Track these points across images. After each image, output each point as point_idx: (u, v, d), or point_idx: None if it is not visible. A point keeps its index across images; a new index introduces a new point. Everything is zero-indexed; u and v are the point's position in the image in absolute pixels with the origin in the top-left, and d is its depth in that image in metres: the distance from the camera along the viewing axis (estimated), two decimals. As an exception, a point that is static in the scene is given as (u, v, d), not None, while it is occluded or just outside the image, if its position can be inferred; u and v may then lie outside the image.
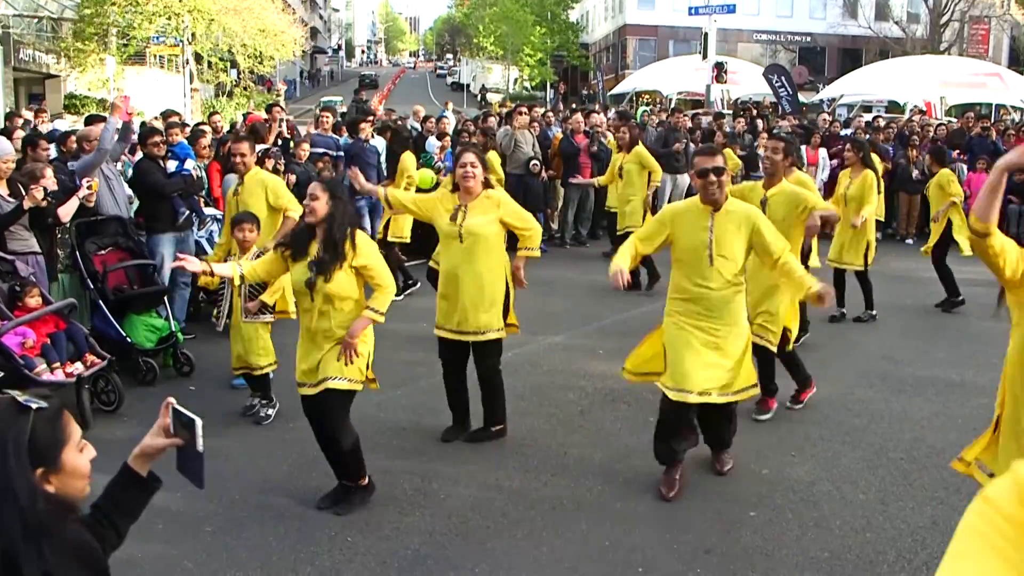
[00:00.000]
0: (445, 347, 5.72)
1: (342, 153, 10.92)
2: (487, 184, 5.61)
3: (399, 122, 13.83)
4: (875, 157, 9.44)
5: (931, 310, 9.49)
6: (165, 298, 7.28)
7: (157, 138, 7.79)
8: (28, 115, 10.97)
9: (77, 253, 7.11)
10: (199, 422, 2.37)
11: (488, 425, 5.85)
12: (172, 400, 2.43)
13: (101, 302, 6.94)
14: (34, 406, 1.92)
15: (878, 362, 7.58)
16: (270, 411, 6.24)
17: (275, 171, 8.76)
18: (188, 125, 11.36)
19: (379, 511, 4.83)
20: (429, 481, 5.20)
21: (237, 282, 4.60)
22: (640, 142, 10.85)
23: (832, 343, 8.11)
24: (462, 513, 4.84)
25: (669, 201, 11.90)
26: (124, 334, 6.86)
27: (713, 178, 4.72)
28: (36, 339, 6.05)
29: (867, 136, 13.97)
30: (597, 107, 30.17)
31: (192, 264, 4.71)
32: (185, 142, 8.88)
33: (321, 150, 10.68)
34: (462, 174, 5.50)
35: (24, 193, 6.46)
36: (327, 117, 11.49)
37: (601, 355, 7.72)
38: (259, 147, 10.88)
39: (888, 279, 10.54)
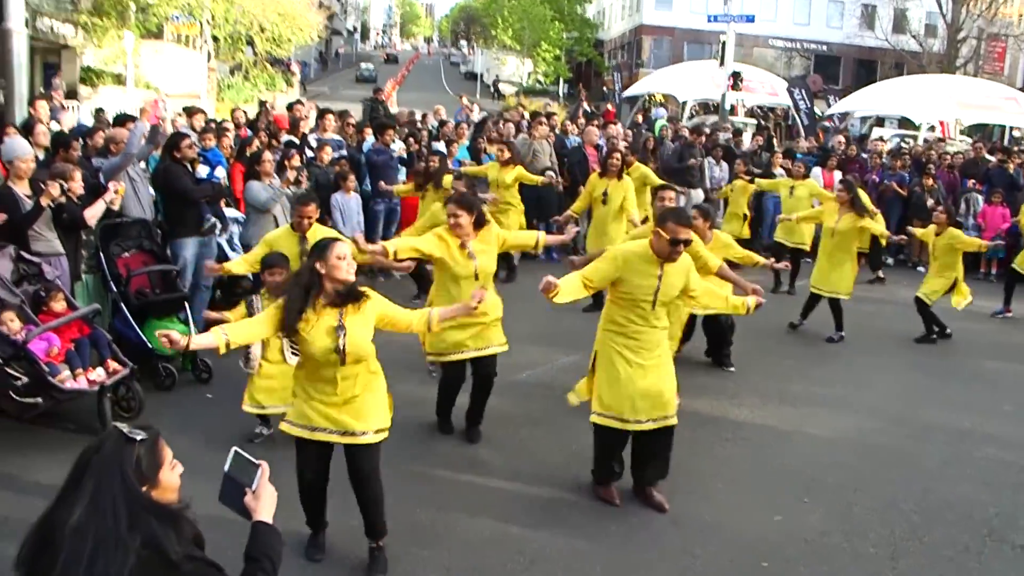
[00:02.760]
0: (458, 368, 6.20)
1: (362, 157, 10.96)
2: (480, 223, 5.97)
3: (419, 122, 13.87)
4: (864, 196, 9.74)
5: (941, 343, 9.53)
6: (186, 303, 7.32)
7: (188, 141, 7.82)
8: (57, 99, 10.72)
9: (101, 255, 7.17)
10: (264, 467, 2.64)
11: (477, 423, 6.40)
12: (237, 448, 2.70)
13: (123, 305, 7.01)
14: (138, 438, 2.32)
15: (891, 401, 7.61)
16: (264, 430, 6.20)
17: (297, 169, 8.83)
18: (214, 121, 11.35)
19: (396, 544, 4.88)
20: (445, 512, 5.26)
21: (223, 351, 4.31)
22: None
23: (846, 377, 8.17)
24: (479, 549, 4.90)
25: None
26: (144, 338, 6.92)
27: (682, 248, 5.17)
28: (61, 345, 6.11)
29: (883, 162, 14.02)
30: (610, 105, 30.26)
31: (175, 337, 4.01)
32: (217, 148, 8.89)
33: (338, 154, 10.72)
34: (452, 224, 5.88)
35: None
36: (330, 119, 11.48)
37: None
38: (284, 138, 10.99)
39: (900, 306, 10.60)
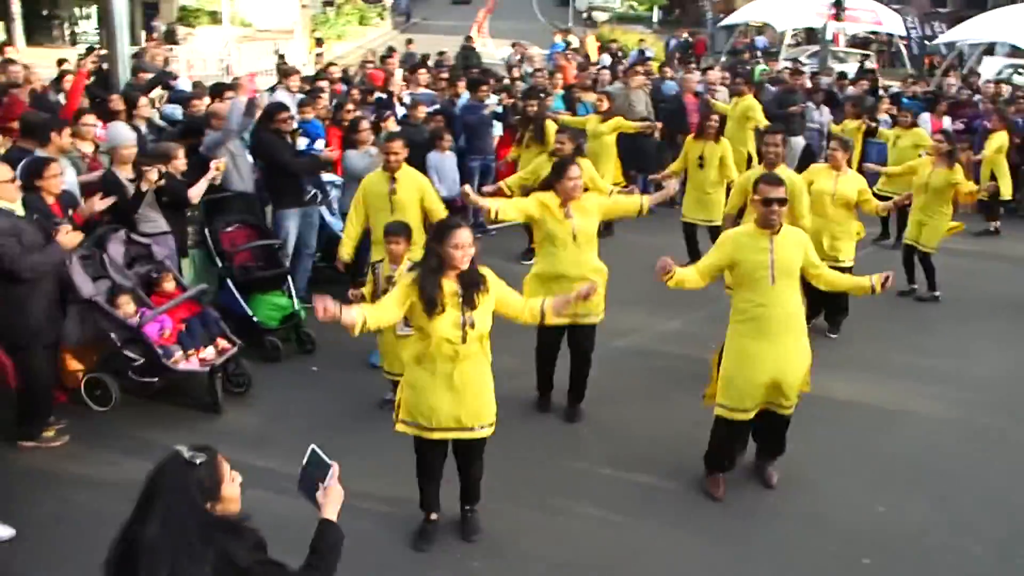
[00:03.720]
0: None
1: (438, 106, 10.89)
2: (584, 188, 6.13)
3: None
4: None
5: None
6: (289, 277, 7.49)
7: (286, 114, 7.90)
8: (160, 51, 10.78)
9: (206, 230, 7.37)
10: (335, 468, 2.89)
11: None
12: (314, 446, 2.95)
13: (228, 280, 7.22)
14: (198, 461, 2.52)
15: (1002, 377, 7.35)
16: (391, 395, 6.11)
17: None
18: (309, 79, 11.42)
19: (495, 535, 5.00)
20: (544, 498, 5.35)
21: (358, 331, 4.40)
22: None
23: (954, 347, 7.94)
24: (578, 540, 4.99)
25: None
26: (250, 312, 7.13)
27: (776, 207, 5.05)
28: (172, 326, 6.34)
29: (997, 106, 13.30)
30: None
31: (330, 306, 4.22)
32: (318, 120, 8.97)
33: (432, 108, 10.69)
34: (571, 186, 5.89)
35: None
36: (422, 72, 11.42)
37: (712, 349, 7.68)
38: (377, 95, 11.03)
39: (1017, 263, 10.18)
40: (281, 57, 17.63)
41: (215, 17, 30.04)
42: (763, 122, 11.04)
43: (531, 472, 5.66)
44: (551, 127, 9.35)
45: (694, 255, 9.01)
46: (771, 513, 5.31)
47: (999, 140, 11.02)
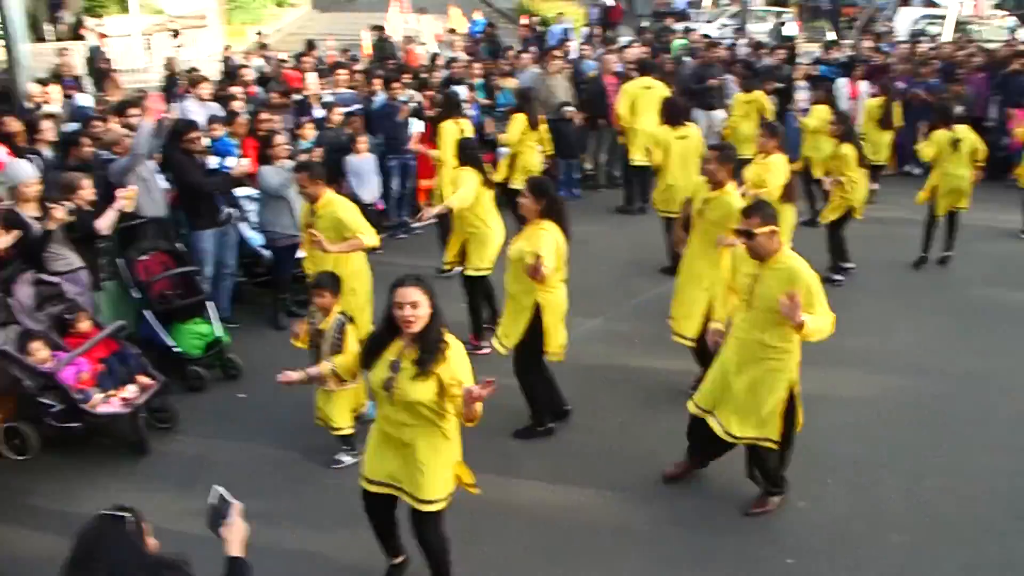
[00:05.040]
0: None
1: (360, 106, 10.78)
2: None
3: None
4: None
5: (973, 284, 9.40)
6: (208, 304, 7.38)
7: (195, 134, 7.74)
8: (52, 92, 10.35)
9: (119, 261, 7.21)
10: (237, 505, 3.11)
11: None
12: (216, 487, 3.17)
13: (147, 312, 7.09)
14: (126, 516, 2.74)
15: (916, 352, 7.59)
16: (345, 458, 5.98)
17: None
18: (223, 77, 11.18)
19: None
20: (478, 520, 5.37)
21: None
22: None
23: (869, 323, 8.10)
24: (512, 560, 5.03)
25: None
26: (172, 343, 7.02)
27: (745, 240, 4.99)
28: (90, 368, 6.22)
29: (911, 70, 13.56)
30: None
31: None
32: (227, 137, 8.79)
33: (350, 109, 10.56)
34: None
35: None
36: (340, 74, 11.24)
37: (638, 344, 7.78)
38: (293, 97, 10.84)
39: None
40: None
41: (123, 5, 29.05)
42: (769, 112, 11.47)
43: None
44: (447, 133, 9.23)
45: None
46: (695, 517, 5.41)
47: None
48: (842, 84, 13.06)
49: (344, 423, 5.94)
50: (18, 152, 7.65)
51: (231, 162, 8.25)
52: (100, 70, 14.42)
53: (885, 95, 11.69)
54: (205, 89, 10.17)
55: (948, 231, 9.70)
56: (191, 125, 7.93)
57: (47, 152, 8.11)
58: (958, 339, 7.89)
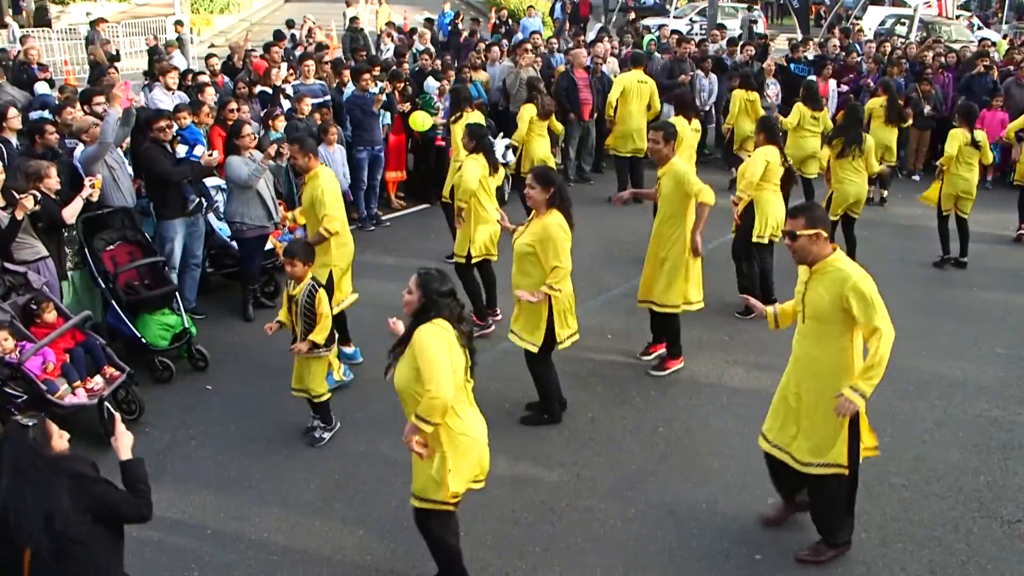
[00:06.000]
0: None
1: (329, 98, 10.72)
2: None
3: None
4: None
5: (936, 276, 9.53)
6: (176, 295, 7.29)
7: (164, 123, 7.64)
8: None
9: (86, 250, 7.10)
10: (117, 416, 3.80)
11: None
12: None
13: (114, 302, 6.99)
14: (30, 424, 3.27)
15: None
16: (325, 435, 6.17)
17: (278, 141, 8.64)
18: (190, 72, 11.05)
19: (404, 540, 5.03)
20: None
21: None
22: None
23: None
24: (481, 554, 5.03)
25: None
26: (139, 334, 6.93)
27: (788, 242, 4.72)
28: (56, 358, 6.13)
29: (879, 69, 13.71)
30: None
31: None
32: (194, 125, 8.67)
33: (319, 100, 10.47)
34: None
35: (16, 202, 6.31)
36: (309, 65, 11.13)
37: (610, 341, 7.80)
38: (261, 89, 10.73)
39: (897, 230, 10.55)
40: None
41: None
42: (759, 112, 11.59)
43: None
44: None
45: None
46: (666, 512, 5.44)
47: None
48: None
49: (323, 388, 6.12)
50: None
51: (199, 151, 8.13)
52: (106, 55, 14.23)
53: (887, 93, 11.69)
54: (172, 78, 10.03)
55: (960, 237, 9.72)
56: (160, 114, 7.83)
57: (12, 140, 7.95)
58: (926, 340, 7.97)
